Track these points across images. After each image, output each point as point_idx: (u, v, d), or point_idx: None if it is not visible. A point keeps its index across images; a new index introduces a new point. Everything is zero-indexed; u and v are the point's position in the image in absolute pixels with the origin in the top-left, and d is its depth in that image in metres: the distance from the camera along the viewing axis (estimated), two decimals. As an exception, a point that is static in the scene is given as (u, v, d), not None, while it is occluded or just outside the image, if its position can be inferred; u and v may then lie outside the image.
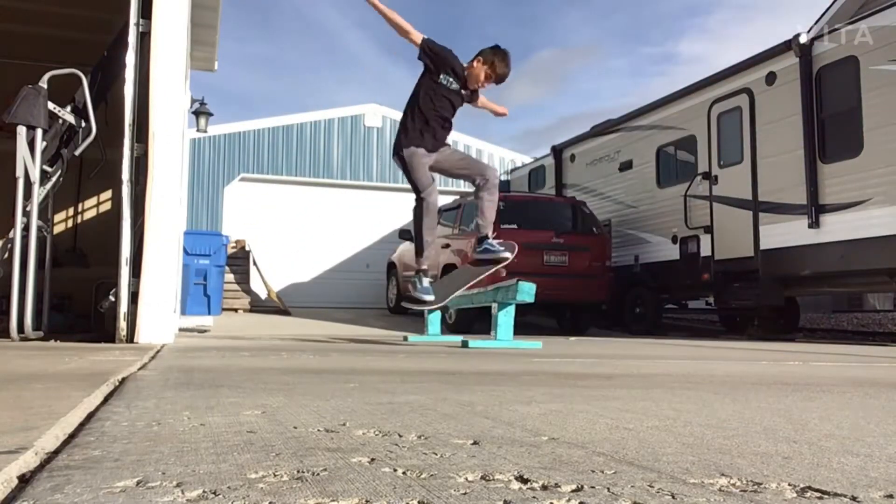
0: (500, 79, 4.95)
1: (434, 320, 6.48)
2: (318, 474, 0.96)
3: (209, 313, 9.46)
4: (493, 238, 5.12)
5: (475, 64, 4.94)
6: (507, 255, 4.98)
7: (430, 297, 4.98)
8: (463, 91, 5.03)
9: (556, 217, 9.83)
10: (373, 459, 1.07)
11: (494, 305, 5.30)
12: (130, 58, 4.86)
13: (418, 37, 4.87)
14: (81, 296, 7.16)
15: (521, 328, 5.93)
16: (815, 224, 7.56)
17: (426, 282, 5.00)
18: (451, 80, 4.96)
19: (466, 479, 0.96)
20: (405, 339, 6.20)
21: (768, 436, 1.37)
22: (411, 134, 4.97)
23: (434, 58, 4.89)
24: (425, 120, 4.95)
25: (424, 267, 5.02)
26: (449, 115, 5.06)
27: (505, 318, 5.24)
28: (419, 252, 5.00)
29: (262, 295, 12.76)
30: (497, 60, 4.90)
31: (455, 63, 4.99)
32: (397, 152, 5.02)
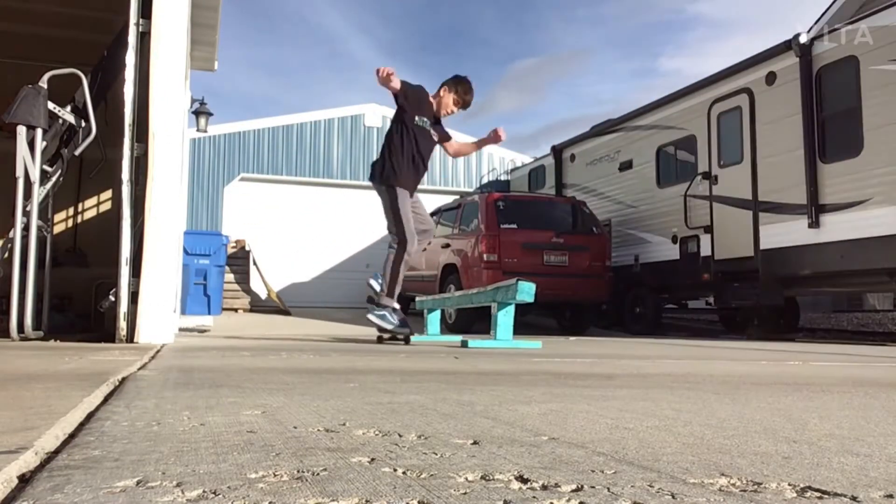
0: (466, 104, 5.33)
1: (433, 320, 6.48)
2: (318, 474, 0.96)
3: (209, 313, 9.48)
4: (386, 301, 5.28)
5: (442, 93, 5.31)
6: (400, 330, 5.38)
7: (395, 326, 5.30)
8: (433, 129, 5.32)
9: (556, 217, 9.84)
10: (373, 459, 1.07)
11: (494, 305, 5.29)
12: (130, 58, 4.86)
13: (397, 83, 5.04)
14: (81, 296, 7.17)
15: (521, 328, 5.93)
16: (814, 224, 7.56)
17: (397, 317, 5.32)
18: (425, 120, 5.24)
19: (466, 478, 0.96)
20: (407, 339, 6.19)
21: (768, 436, 1.37)
22: (403, 173, 5.20)
23: (412, 97, 5.17)
24: (412, 160, 5.22)
25: (396, 306, 5.32)
26: (427, 158, 5.33)
27: (504, 318, 5.23)
28: (392, 293, 5.24)
29: (262, 295, 12.76)
30: (461, 88, 5.31)
31: (425, 98, 5.27)
32: (389, 182, 5.19)
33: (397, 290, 5.26)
